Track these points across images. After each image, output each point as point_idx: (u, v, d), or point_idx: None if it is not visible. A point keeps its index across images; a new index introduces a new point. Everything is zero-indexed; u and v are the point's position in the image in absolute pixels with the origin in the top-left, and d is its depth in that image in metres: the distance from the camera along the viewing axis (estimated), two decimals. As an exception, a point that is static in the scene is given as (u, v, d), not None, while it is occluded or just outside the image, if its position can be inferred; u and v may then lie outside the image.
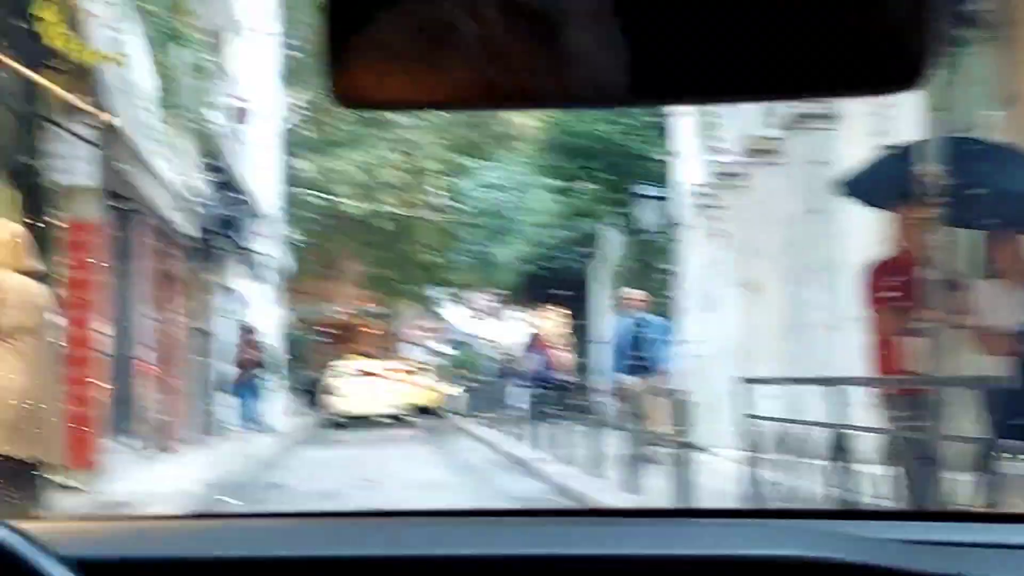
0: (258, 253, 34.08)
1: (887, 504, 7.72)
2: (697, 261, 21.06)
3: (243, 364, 26.31)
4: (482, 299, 45.20)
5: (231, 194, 25.79)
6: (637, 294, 19.19)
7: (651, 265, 22.77)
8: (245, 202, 28.24)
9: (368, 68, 1.23)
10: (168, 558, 1.71)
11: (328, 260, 52.05)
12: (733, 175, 18.63)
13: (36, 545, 1.33)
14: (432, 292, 51.05)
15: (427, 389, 45.20)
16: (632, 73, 1.24)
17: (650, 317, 18.49)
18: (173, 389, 21.81)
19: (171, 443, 20.86)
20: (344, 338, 55.18)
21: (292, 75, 43.48)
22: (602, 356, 25.55)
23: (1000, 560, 1.73)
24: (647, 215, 22.03)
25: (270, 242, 38.01)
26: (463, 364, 43.90)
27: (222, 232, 25.70)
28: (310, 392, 45.31)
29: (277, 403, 35.35)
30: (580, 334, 34.44)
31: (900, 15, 1.23)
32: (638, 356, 17.10)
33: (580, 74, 1.23)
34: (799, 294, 15.47)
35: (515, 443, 24.86)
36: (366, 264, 50.61)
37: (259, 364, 22.74)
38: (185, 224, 23.41)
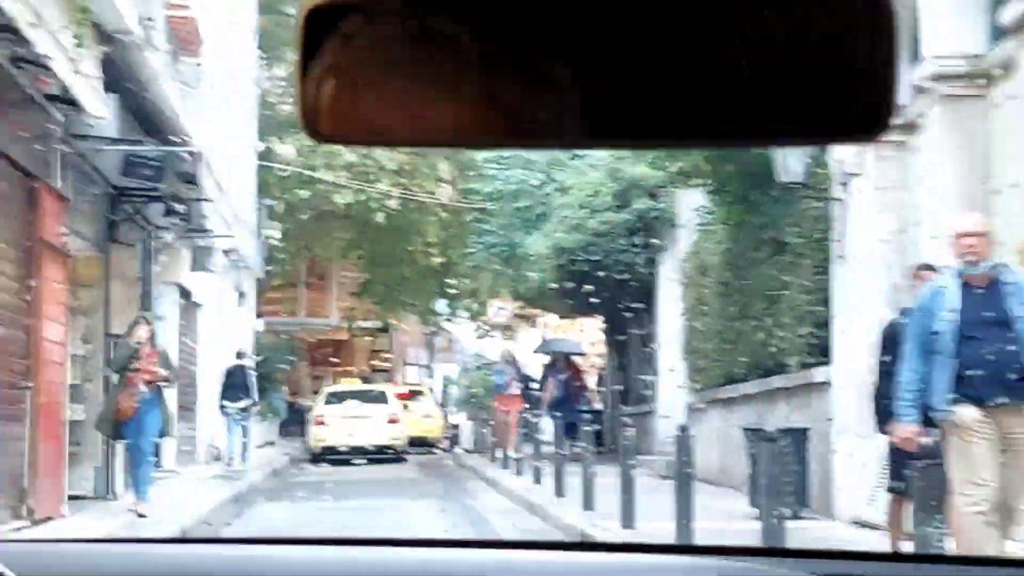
0: (218, 245, 26.36)
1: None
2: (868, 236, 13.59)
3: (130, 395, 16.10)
4: (500, 310, 37.42)
5: (168, 149, 17.93)
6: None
7: (811, 238, 15.11)
8: (191, 173, 20.36)
9: (341, 102, 1.25)
10: None
11: (313, 263, 44.39)
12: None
13: None
14: (438, 302, 43.25)
15: (428, 418, 37.68)
16: (600, 116, 1.27)
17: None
18: (44, 431, 14.07)
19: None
20: (331, 357, 47.49)
21: (269, 37, 35.91)
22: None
23: None
24: (791, 165, 14.40)
25: (237, 235, 30.38)
26: (472, 389, 36.19)
27: (151, 195, 17.96)
28: (291, 421, 37.86)
29: (250, 434, 28.77)
30: (632, 350, 26.75)
31: (862, 64, 1.25)
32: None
33: (547, 116, 1.26)
34: None
35: (534, 489, 20.35)
36: (359, 268, 42.83)
37: (161, 385, 14.77)
38: (92, 178, 15.87)
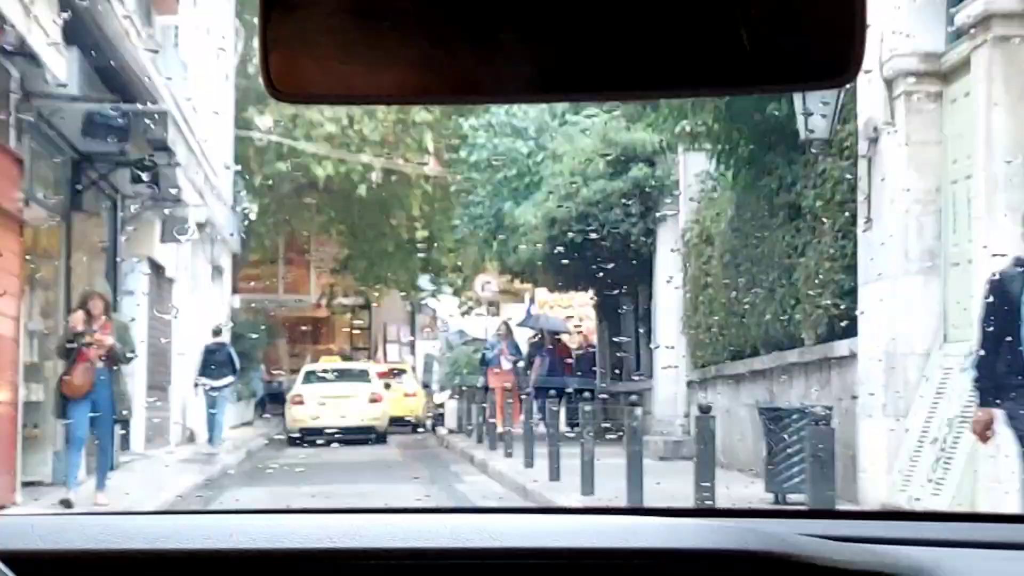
0: (191, 216, 25.09)
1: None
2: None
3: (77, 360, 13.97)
4: (487, 284, 36.08)
5: (133, 108, 16.59)
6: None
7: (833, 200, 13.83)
8: (160, 138, 19.03)
9: (303, 62, 1.25)
10: (95, 552, 1.71)
11: (291, 238, 43.10)
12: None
13: None
14: (421, 278, 41.95)
15: (410, 397, 36.42)
16: (570, 65, 1.26)
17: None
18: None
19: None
20: (310, 335, 46.22)
21: (246, 5, 34.55)
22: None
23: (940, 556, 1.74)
24: (815, 121, 13.21)
25: (212, 208, 29.08)
26: (456, 367, 34.87)
27: (117, 160, 16.68)
28: (268, 400, 36.59)
29: (227, 414, 27.79)
30: (626, 325, 25.55)
31: (830, 9, 1.25)
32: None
33: (512, 68, 1.26)
34: None
35: (526, 472, 19.03)
36: (339, 243, 41.54)
37: (113, 360, 13.15)
38: (52, 140, 14.59)
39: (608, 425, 21.29)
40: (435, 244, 38.88)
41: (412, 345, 49.89)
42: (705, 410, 16.68)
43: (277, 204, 39.00)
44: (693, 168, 20.47)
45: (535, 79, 1.26)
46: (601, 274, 23.64)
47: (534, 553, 1.71)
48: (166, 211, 20.34)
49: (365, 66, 1.25)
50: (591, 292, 27.01)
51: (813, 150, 14.41)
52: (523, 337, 31.23)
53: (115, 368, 12.86)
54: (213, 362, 27.66)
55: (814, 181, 14.47)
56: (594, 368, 31.64)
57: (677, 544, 1.69)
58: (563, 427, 24.20)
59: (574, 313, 38.74)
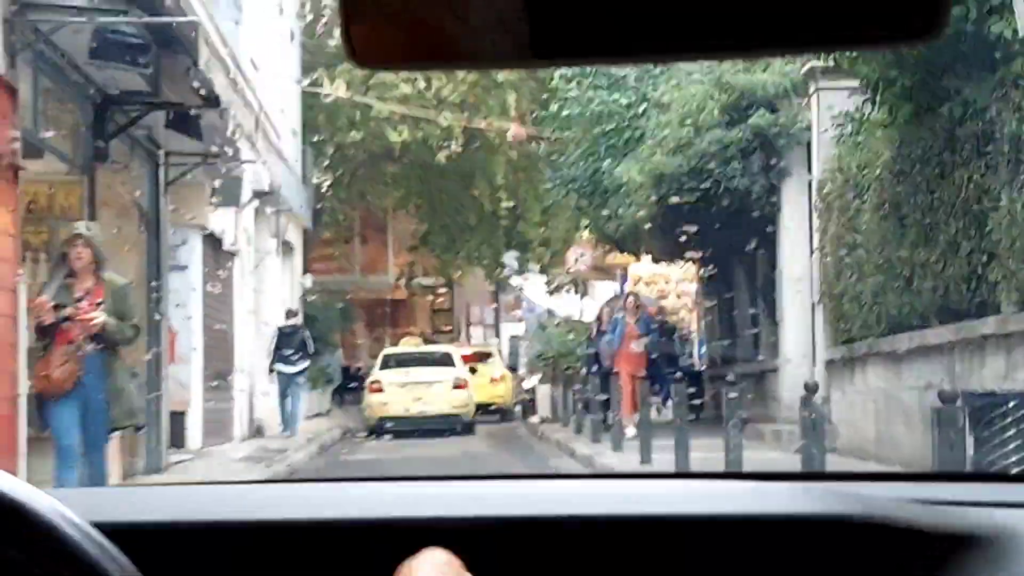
0: (250, 180, 22.36)
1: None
2: None
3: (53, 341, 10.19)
4: (580, 257, 32.98)
5: (158, 20, 13.56)
6: None
7: None
8: (204, 78, 16.17)
9: (384, 25, 1.19)
10: (187, 522, 1.72)
11: (367, 214, 40.36)
12: None
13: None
14: (506, 254, 38.99)
15: (497, 382, 33.61)
16: (596, 28, 1.16)
17: None
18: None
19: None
20: (388, 317, 43.50)
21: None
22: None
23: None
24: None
25: (280, 177, 26.40)
26: (548, 349, 31.85)
27: (149, 101, 13.86)
28: (346, 388, 33.91)
29: (300, 404, 25.58)
30: (743, 296, 22.52)
31: None
32: None
33: (589, 28, 1.16)
34: None
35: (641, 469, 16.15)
36: (417, 217, 38.70)
37: (106, 340, 9.87)
38: (66, 74, 11.80)
39: (719, 411, 18.37)
40: (521, 216, 36.00)
41: (496, 327, 47.06)
42: (812, 389, 14.08)
43: (351, 175, 36.29)
44: (829, 109, 17.43)
45: (607, 39, 1.15)
46: (714, 238, 20.65)
47: (619, 520, 1.70)
48: (220, 169, 17.49)
49: (446, 29, 1.14)
50: (699, 261, 23.88)
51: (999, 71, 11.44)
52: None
53: (111, 352, 9.65)
54: (287, 346, 25.35)
55: (1018, 101, 11.40)
56: (688, 349, 28.65)
57: (765, 509, 1.71)
58: (663, 415, 21.43)
59: (671, 289, 35.77)
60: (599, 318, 23.49)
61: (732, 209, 19.79)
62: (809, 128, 18.97)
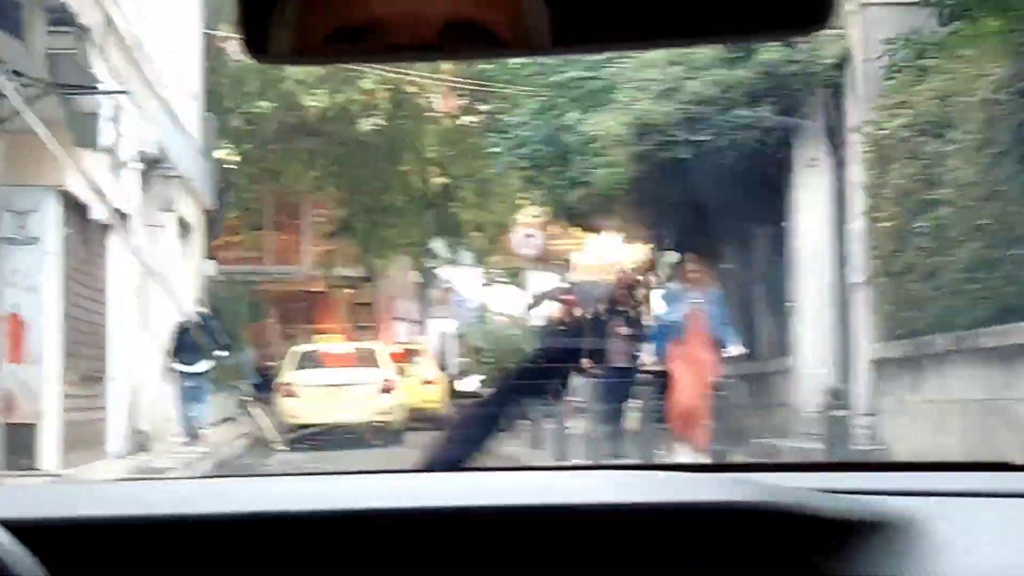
0: (97, 109, 18.01)
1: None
2: None
3: None
4: (528, 238, 28.72)
5: None
6: None
7: None
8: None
9: (281, 18, 1.18)
10: (96, 519, 1.67)
11: (281, 198, 36.04)
12: None
13: None
14: (436, 241, 34.80)
15: (429, 384, 29.46)
16: (557, 20, 1.24)
17: None
18: None
19: None
20: (303, 312, 39.13)
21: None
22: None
23: (935, 506, 1.76)
24: None
25: (171, 139, 22.10)
26: (488, 345, 27.65)
27: None
28: (258, 390, 29.62)
29: (205, 407, 22.25)
30: (742, 283, 18.36)
31: None
32: None
33: (511, 21, 1.24)
34: None
35: None
36: (337, 199, 34.34)
37: None
38: None
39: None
40: (452, 196, 31.76)
41: (422, 323, 42.84)
42: (837, 395, 12.42)
43: (261, 151, 31.91)
44: (873, 36, 13.45)
45: (552, 30, 1.24)
46: (710, 208, 16.53)
47: (530, 510, 1.71)
48: (73, 104, 13.13)
49: (362, 19, 1.18)
50: (686, 239, 19.63)
51: None
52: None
53: None
54: (189, 341, 21.30)
55: None
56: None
57: (668, 497, 1.72)
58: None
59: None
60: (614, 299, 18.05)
61: (736, 169, 15.70)
62: (837, 64, 14.97)
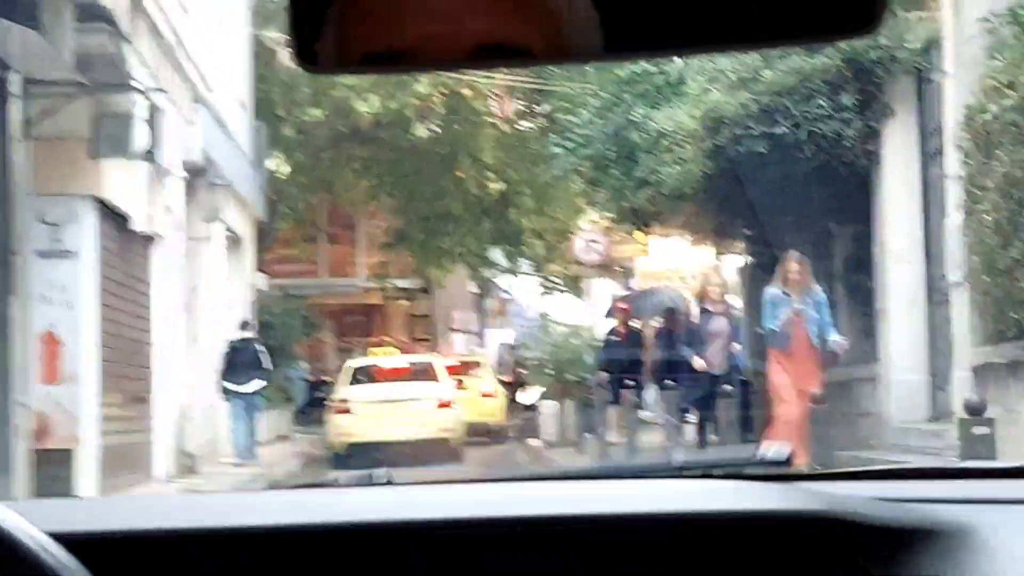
0: (131, 110, 17.12)
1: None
2: None
3: None
4: (591, 244, 27.62)
5: None
6: None
7: None
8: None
9: (335, 29, 1.20)
10: (148, 531, 1.69)
11: (334, 209, 35.16)
12: None
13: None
14: (493, 250, 33.75)
15: (488, 398, 28.43)
16: (605, 27, 1.25)
17: None
18: None
19: None
20: (359, 325, 38.22)
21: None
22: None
23: (977, 513, 1.75)
24: None
25: (219, 147, 21.27)
26: (551, 356, 26.58)
27: None
28: (311, 407, 28.75)
29: (256, 426, 21.21)
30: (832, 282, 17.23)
31: None
32: None
33: (556, 29, 1.23)
34: None
35: None
36: (391, 207, 33.37)
37: None
38: None
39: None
40: (511, 203, 30.73)
41: (480, 335, 41.83)
42: (975, 411, 10.60)
43: (313, 162, 31.02)
44: (971, 13, 12.33)
45: (584, 39, 1.23)
46: (788, 206, 15.43)
47: (607, 520, 1.69)
48: (104, 101, 12.20)
49: (412, 29, 1.17)
50: (754, 241, 18.47)
51: None
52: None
53: None
54: (240, 361, 20.47)
55: None
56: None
57: (723, 506, 1.71)
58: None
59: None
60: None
61: (815, 162, 14.60)
62: (925, 48, 13.88)
